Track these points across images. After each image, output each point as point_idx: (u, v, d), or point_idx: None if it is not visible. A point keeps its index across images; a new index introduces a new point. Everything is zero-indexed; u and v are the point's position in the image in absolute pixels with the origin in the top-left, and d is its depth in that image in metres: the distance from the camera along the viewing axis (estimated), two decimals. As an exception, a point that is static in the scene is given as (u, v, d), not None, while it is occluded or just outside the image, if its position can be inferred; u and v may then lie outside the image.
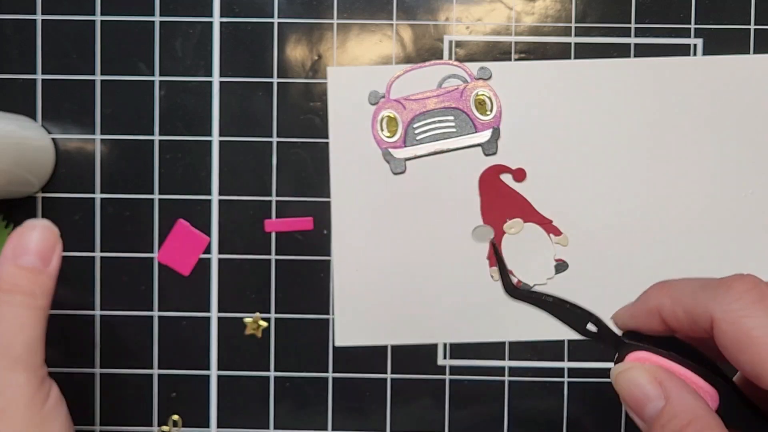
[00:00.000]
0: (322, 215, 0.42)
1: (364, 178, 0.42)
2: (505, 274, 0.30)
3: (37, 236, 0.33)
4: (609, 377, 0.41)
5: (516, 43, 0.42)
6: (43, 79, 0.42)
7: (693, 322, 0.27)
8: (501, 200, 0.41)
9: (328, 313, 0.42)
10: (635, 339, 0.29)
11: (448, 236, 0.42)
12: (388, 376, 0.42)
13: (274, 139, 0.42)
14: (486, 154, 0.42)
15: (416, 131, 0.42)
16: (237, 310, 0.42)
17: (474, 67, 0.42)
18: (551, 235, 0.42)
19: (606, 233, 0.42)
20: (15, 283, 0.32)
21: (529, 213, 0.42)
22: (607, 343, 0.30)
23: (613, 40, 0.42)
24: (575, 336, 0.42)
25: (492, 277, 0.42)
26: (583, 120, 0.42)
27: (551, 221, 0.42)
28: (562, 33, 0.42)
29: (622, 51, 0.42)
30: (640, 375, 0.28)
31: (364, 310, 0.42)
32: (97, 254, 0.42)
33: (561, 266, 0.42)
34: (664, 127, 0.42)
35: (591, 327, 0.30)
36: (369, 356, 0.42)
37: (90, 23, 0.42)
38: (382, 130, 0.42)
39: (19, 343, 0.32)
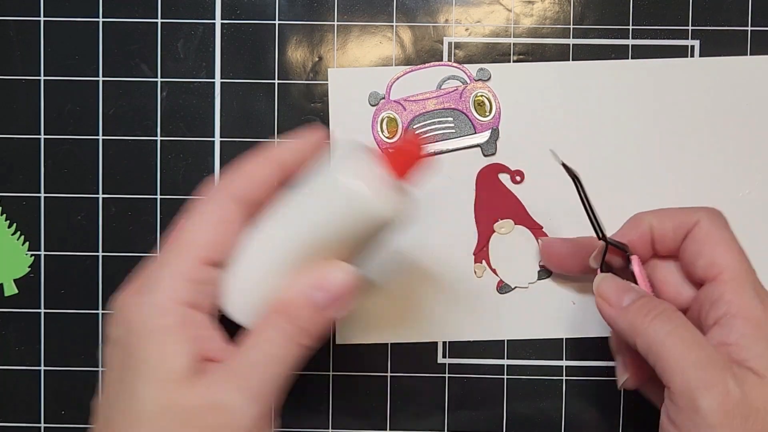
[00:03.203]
0: (322, 215, 0.42)
1: (364, 179, 0.42)
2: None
3: (343, 280, 0.31)
4: (607, 376, 0.42)
5: (515, 44, 0.42)
6: (45, 80, 0.42)
7: (678, 227, 0.36)
8: (496, 199, 0.42)
9: (328, 313, 0.42)
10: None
11: (447, 235, 0.42)
12: (388, 374, 0.42)
13: (276, 140, 0.42)
14: (485, 155, 0.42)
15: (416, 132, 0.42)
16: (238, 310, 0.43)
17: (473, 68, 0.42)
18: (540, 241, 0.42)
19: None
20: (297, 315, 0.30)
21: (521, 216, 0.42)
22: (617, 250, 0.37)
23: (611, 42, 0.42)
24: (574, 334, 0.43)
25: (475, 273, 0.42)
26: (582, 121, 0.42)
27: (542, 227, 0.42)
28: (561, 35, 0.42)
29: (620, 52, 0.42)
30: (615, 279, 0.36)
31: (364, 308, 0.42)
32: (100, 254, 0.43)
33: (544, 273, 0.42)
34: (661, 129, 0.42)
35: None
36: (369, 355, 0.42)
37: (93, 25, 0.42)
38: (382, 130, 0.42)
39: (268, 379, 0.29)
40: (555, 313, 0.42)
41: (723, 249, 0.34)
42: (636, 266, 0.37)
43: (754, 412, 0.31)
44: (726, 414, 0.30)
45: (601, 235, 0.37)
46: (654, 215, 0.37)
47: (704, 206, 0.36)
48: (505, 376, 0.42)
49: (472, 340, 0.42)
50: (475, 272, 0.42)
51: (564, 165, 0.38)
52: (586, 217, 0.38)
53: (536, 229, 0.42)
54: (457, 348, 0.42)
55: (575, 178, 0.39)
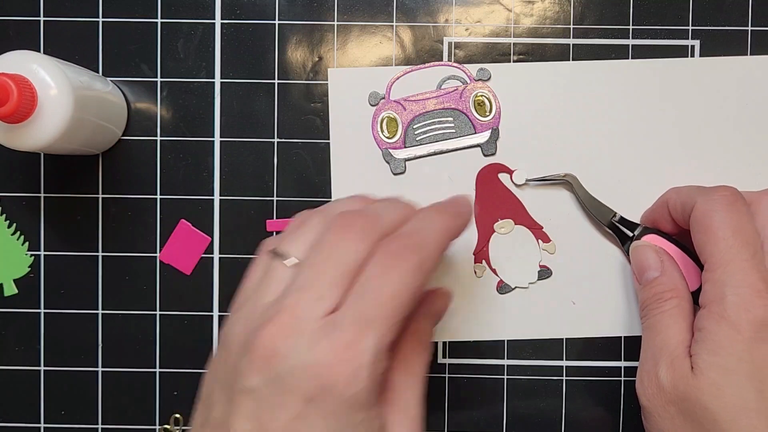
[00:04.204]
0: (322, 215, 0.42)
1: (364, 179, 0.42)
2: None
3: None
4: (607, 376, 0.42)
5: (515, 44, 0.42)
6: (45, 80, 0.42)
7: (684, 209, 0.36)
8: (496, 199, 0.42)
9: (328, 313, 0.42)
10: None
11: (447, 236, 0.42)
12: (388, 374, 0.42)
13: (275, 140, 0.42)
14: (485, 155, 0.42)
15: (416, 132, 0.42)
16: (238, 310, 0.43)
17: (473, 68, 0.42)
18: (540, 240, 0.42)
19: (596, 246, 0.42)
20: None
21: (521, 216, 0.42)
22: (629, 228, 0.40)
23: (611, 42, 0.42)
24: (574, 334, 0.43)
25: (475, 273, 0.42)
26: (581, 121, 0.42)
27: (542, 227, 0.42)
28: (561, 34, 0.42)
29: (620, 52, 0.42)
30: (650, 249, 0.38)
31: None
32: (100, 254, 0.43)
33: (545, 272, 0.42)
34: (661, 129, 0.42)
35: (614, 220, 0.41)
36: (369, 355, 0.42)
37: (93, 24, 0.42)
38: (382, 130, 0.42)
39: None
40: (555, 313, 0.42)
41: (706, 238, 0.34)
42: (649, 238, 0.39)
43: (681, 399, 0.33)
44: (653, 398, 0.35)
45: (608, 221, 0.41)
46: (674, 191, 0.39)
47: (719, 185, 0.36)
48: (505, 376, 0.42)
49: (472, 340, 0.42)
50: (475, 272, 0.42)
51: (554, 178, 0.40)
52: (585, 214, 0.41)
53: (536, 229, 0.42)
54: (457, 348, 0.42)
55: (570, 182, 0.41)
